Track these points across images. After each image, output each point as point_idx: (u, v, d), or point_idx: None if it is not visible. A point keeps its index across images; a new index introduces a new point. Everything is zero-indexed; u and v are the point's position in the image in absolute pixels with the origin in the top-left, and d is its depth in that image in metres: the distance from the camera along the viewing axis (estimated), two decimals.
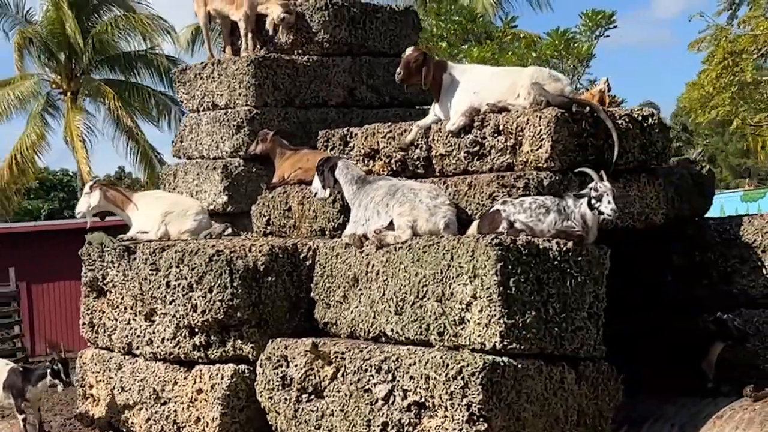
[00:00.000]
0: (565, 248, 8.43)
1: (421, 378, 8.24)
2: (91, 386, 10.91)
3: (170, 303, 9.81)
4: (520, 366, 8.15)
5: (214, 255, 9.55)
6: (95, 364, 10.83)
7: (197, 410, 9.76)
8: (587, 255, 8.50)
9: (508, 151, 9.40)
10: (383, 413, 8.46)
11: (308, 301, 9.68)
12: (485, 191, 9.12)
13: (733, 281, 10.01)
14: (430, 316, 8.49)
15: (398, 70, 9.86)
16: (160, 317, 9.97)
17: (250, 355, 9.59)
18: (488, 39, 21.12)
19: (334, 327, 9.41)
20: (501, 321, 8.09)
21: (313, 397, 9.04)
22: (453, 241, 8.44)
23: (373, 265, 8.99)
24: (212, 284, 9.50)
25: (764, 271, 9.77)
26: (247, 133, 11.40)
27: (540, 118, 9.22)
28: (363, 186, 9.47)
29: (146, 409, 10.20)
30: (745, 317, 9.95)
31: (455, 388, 8.03)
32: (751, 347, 9.54)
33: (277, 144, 11.00)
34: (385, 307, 8.82)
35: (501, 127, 9.43)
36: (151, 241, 10.66)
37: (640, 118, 9.79)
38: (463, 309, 8.29)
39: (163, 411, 10.06)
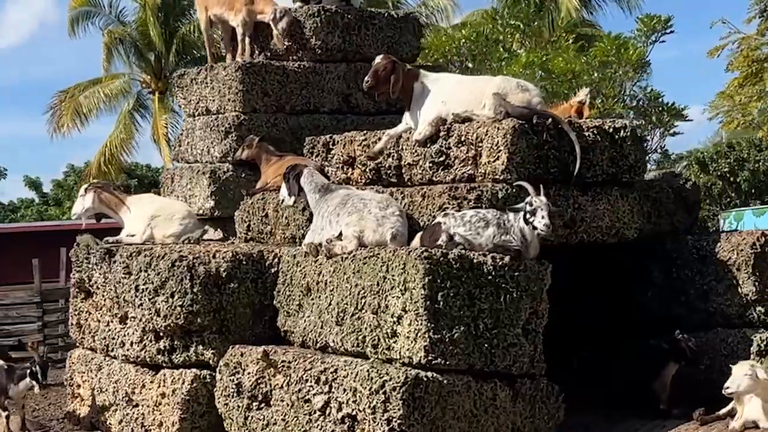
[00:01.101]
0: (501, 263, 8.30)
1: (351, 391, 8.19)
2: (78, 386, 11.08)
3: (138, 307, 9.92)
4: (445, 382, 8.05)
5: (177, 260, 9.63)
6: (81, 365, 11.00)
7: (161, 414, 9.85)
8: (525, 270, 8.36)
9: (470, 162, 9.31)
10: (319, 425, 8.44)
11: (272, 309, 9.69)
12: (436, 203, 9.01)
13: (709, 299, 9.76)
14: (366, 328, 8.45)
15: (366, 78, 9.82)
16: (131, 320, 10.09)
17: (211, 361, 9.63)
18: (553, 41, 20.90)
19: (292, 335, 9.43)
20: (427, 335, 8.01)
21: (262, 405, 9.05)
22: (390, 253, 8.38)
23: (322, 275, 8.98)
24: (174, 289, 9.57)
25: (740, 290, 9.49)
26: (234, 138, 11.48)
27: (498, 129, 9.09)
28: (325, 194, 9.46)
29: (120, 410, 10.32)
30: (721, 336, 9.68)
31: (377, 403, 7.98)
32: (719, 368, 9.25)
33: (262, 150, 11.04)
34: (329, 317, 8.80)
35: (463, 138, 9.35)
36: (135, 244, 10.73)
37: (611, 130, 9.58)
38: (394, 322, 8.23)
39: (133, 413, 10.18)
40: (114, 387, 10.42)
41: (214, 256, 9.73)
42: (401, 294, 8.16)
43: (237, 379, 9.23)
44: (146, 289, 9.82)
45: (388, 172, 9.92)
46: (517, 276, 8.32)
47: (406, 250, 8.32)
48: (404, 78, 9.82)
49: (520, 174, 9.11)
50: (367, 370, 8.13)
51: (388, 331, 8.27)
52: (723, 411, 8.55)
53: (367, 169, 10.12)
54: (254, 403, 9.08)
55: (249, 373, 9.13)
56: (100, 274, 10.54)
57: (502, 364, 8.26)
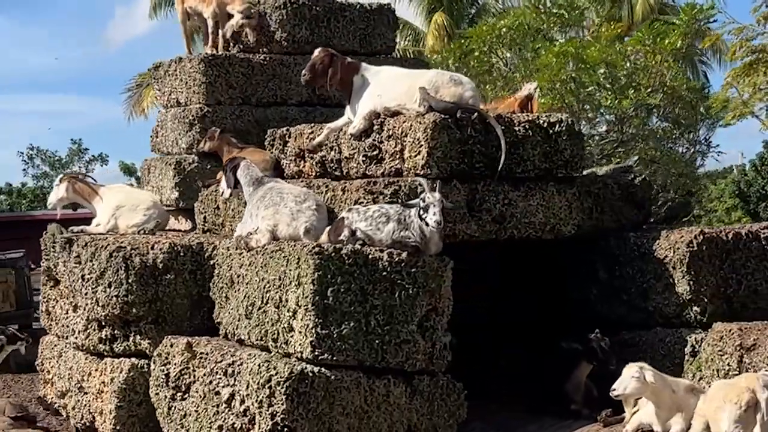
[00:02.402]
0: (397, 259, 8.26)
1: (246, 384, 8.25)
2: (48, 371, 11.34)
3: (84, 296, 10.11)
4: (333, 377, 8.04)
5: (114, 251, 9.79)
6: (49, 350, 11.25)
7: (102, 402, 10.02)
8: (423, 266, 8.29)
9: (398, 157, 9.28)
10: (224, 417, 8.51)
11: (211, 300, 9.77)
12: (353, 197, 9.00)
13: (649, 298, 9.58)
14: (268, 322, 8.50)
15: (303, 71, 9.86)
16: (79, 309, 10.28)
17: (147, 351, 9.77)
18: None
19: (221, 327, 9.51)
20: (314, 331, 8.04)
21: (182, 396, 9.14)
22: (290, 248, 8.40)
23: (241, 267, 9.04)
24: (111, 280, 9.72)
25: (677, 288, 9.29)
26: (198, 130, 11.59)
27: (419, 124, 9.04)
28: (257, 187, 9.52)
29: (73, 396, 10.54)
30: (660, 336, 9.51)
31: (263, 397, 8.01)
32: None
33: (224, 142, 11.14)
34: (242, 310, 8.87)
35: (392, 132, 9.32)
36: (98, 234, 10.92)
37: (545, 124, 9.44)
38: (291, 317, 8.27)
39: (83, 400, 10.38)
40: (69, 374, 10.63)
41: (152, 247, 9.85)
42: (296, 289, 8.20)
43: (166, 369, 9.34)
44: (90, 278, 10.00)
45: (332, 165, 9.93)
46: (414, 272, 8.26)
47: (301, 245, 8.32)
48: (343, 71, 9.82)
49: (441, 169, 9.05)
50: (258, 364, 8.17)
51: (286, 325, 8.31)
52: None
53: (314, 163, 10.13)
54: (178, 394, 9.19)
55: (174, 364, 9.24)
56: (62, 262, 10.75)
57: (394, 361, 8.22)
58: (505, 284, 10.23)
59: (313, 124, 10.19)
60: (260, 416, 8.02)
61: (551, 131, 9.48)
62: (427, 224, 8.18)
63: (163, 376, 9.34)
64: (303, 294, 8.09)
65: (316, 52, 9.85)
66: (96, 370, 10.18)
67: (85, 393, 10.34)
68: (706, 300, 9.23)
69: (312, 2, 12.03)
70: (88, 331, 10.15)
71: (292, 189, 9.13)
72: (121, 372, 9.85)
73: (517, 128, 9.38)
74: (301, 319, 8.11)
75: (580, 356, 9.05)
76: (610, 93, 18.38)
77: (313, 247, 8.14)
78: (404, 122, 9.20)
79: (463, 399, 8.52)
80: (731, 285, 9.37)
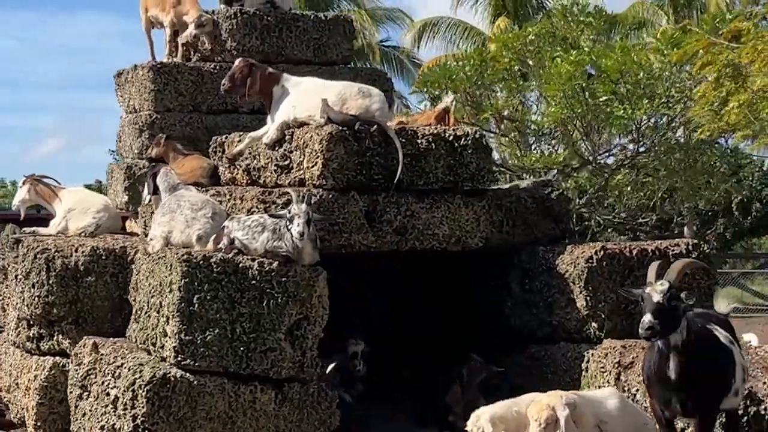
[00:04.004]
0: (268, 268, 8.42)
1: (121, 387, 8.50)
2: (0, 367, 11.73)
3: (17, 295, 10.45)
4: (196, 382, 8.23)
5: (39, 252, 10.10)
6: (2, 347, 11.64)
7: (28, 399, 10.35)
8: (294, 276, 8.44)
9: (303, 167, 9.44)
10: (107, 418, 8.75)
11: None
12: (247, 206, 9.20)
13: (554, 313, 9.59)
14: (150, 327, 8.73)
15: (223, 81, 10.07)
16: (14, 308, 10.64)
17: (68, 351, 10.05)
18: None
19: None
20: (178, 336, 8.24)
21: (86, 395, 9.42)
22: (170, 254, 8.62)
23: (139, 273, 9.29)
24: (35, 280, 10.04)
25: (577, 303, 9.30)
26: (147, 136, 11.86)
27: (317, 135, 9.20)
28: (172, 194, 9.75)
29: (10, 392, 10.90)
30: (563, 351, 9.53)
31: (127, 400, 8.24)
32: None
33: (170, 148, 11.39)
34: (136, 314, 9.11)
35: (297, 143, 9.48)
36: (48, 235, 11.26)
37: (450, 138, 9.52)
38: (165, 322, 8.48)
39: (17, 396, 10.72)
40: (9, 370, 10.99)
41: (76, 250, 10.13)
42: (169, 294, 8.40)
43: (78, 369, 9.62)
44: (20, 278, 10.33)
45: (255, 173, 10.12)
46: (284, 281, 8.41)
47: (174, 253, 8.53)
48: (263, 81, 9.99)
49: (338, 180, 9.19)
50: (128, 368, 8.40)
51: (161, 330, 8.53)
52: None
53: (241, 170, 10.33)
54: (84, 393, 9.45)
55: (83, 364, 9.51)
56: (9, 262, 11.12)
57: (259, 368, 8.38)
58: (411, 296, 10.27)
59: (242, 133, 10.34)
60: (124, 419, 8.23)
61: (456, 144, 9.53)
62: (292, 235, 8.31)
63: (76, 376, 9.61)
64: (172, 300, 8.29)
65: (237, 62, 10.04)
66: (25, 367, 10.48)
67: (18, 389, 10.66)
68: (603, 316, 9.20)
69: (264, 13, 12.21)
70: (18, 329, 10.47)
71: (192, 197, 9.33)
72: (43, 370, 10.14)
73: (420, 141, 9.46)
74: (170, 325, 8.30)
75: (458, 373, 9.10)
76: (622, 104, 18.19)
77: (182, 255, 8.34)
78: (306, 133, 9.35)
79: (335, 407, 8.64)
80: (633, 302, 9.26)
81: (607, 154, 19.08)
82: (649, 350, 6.53)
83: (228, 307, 8.29)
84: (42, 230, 11.49)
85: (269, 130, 9.81)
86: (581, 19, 20.03)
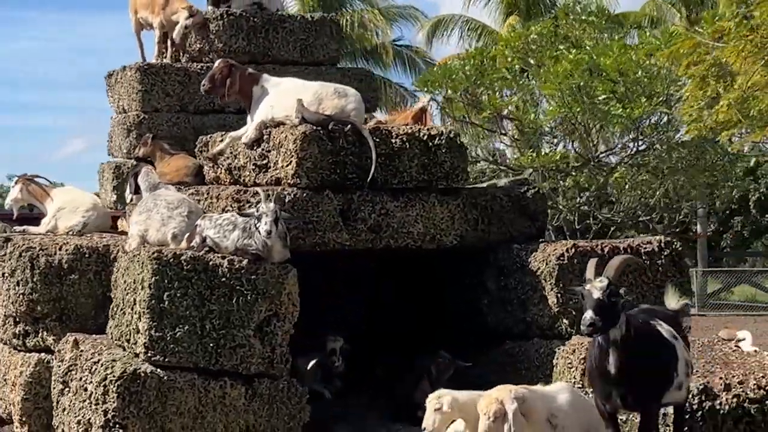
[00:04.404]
0: (238, 266, 8.56)
1: (94, 382, 8.67)
2: None
3: (3, 293, 10.64)
4: (166, 378, 8.38)
5: (24, 251, 10.28)
6: None
7: (14, 394, 10.54)
8: (264, 273, 8.59)
9: (278, 166, 9.58)
10: (84, 412, 8.91)
11: None
12: (222, 205, 9.35)
13: (527, 309, 9.69)
14: (125, 323, 8.89)
15: (203, 81, 10.22)
16: (1, 305, 10.82)
17: (52, 347, 10.23)
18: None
19: None
20: (148, 333, 8.40)
21: (67, 391, 9.59)
22: (143, 252, 8.78)
23: (118, 271, 9.46)
24: (19, 278, 10.23)
25: (549, 300, 9.40)
26: (135, 136, 12.04)
27: (291, 135, 9.35)
28: (151, 193, 9.91)
29: (1, 387, 11.09)
30: (536, 347, 9.64)
31: (98, 394, 8.41)
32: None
33: (156, 148, 11.55)
34: (113, 311, 9.28)
35: (274, 143, 9.63)
36: (37, 234, 11.45)
37: (425, 137, 9.64)
38: (137, 319, 8.64)
39: (4, 392, 10.91)
40: None
41: (60, 248, 10.31)
42: (141, 292, 8.57)
43: (60, 365, 9.80)
44: (6, 276, 10.52)
45: (236, 173, 10.27)
46: (254, 279, 8.56)
47: (147, 250, 8.69)
48: (242, 81, 10.15)
49: (312, 179, 9.34)
50: (102, 363, 8.56)
51: (134, 327, 8.68)
52: None
53: (223, 169, 10.49)
54: (65, 389, 9.61)
55: (64, 361, 9.68)
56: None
57: (229, 364, 8.52)
58: (385, 294, 10.41)
59: (224, 132, 10.49)
60: (95, 413, 8.39)
61: (431, 144, 9.65)
62: (260, 233, 8.46)
63: (58, 372, 9.79)
64: (144, 297, 8.45)
65: (217, 62, 10.19)
66: (12, 363, 10.67)
67: (6, 385, 10.85)
68: (574, 313, 9.28)
69: (250, 14, 12.36)
70: (6, 326, 10.65)
71: (169, 196, 9.48)
72: (28, 366, 10.31)
73: (394, 140, 9.58)
74: (142, 321, 8.46)
75: (426, 370, 9.22)
76: (620, 103, 18.27)
77: (153, 253, 8.50)
78: (281, 133, 9.50)
79: (304, 402, 8.77)
80: None
81: (607, 153, 19.17)
82: (591, 346, 6.65)
83: (198, 304, 8.44)
84: (32, 229, 11.67)
85: (248, 130, 9.95)
86: (583, 17, 20.12)
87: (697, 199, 22.05)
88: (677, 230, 38.35)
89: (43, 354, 10.36)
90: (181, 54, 12.45)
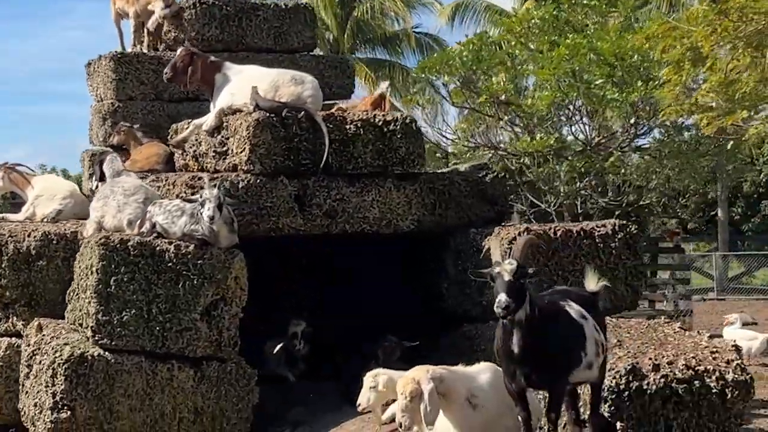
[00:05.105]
0: (184, 251, 8.72)
1: (44, 365, 8.85)
2: None
3: None
4: (113, 360, 8.56)
5: None
6: None
7: None
8: (210, 258, 8.74)
9: (234, 153, 9.73)
10: (41, 395, 9.10)
11: None
12: (176, 191, 9.50)
13: (484, 293, 9.75)
14: (78, 308, 9.07)
15: (165, 70, 10.38)
16: None
17: (21, 332, 10.43)
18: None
19: None
20: (95, 317, 8.58)
21: (30, 374, 9.78)
22: (94, 239, 8.96)
23: (78, 256, 9.63)
24: None
25: None
26: (110, 124, 12.22)
27: (244, 122, 9.48)
28: (110, 181, 10.08)
29: None
30: (492, 329, 9.68)
31: (48, 377, 8.60)
32: None
33: (130, 136, 11.74)
34: (69, 296, 9.47)
35: (231, 130, 9.77)
36: (15, 221, 11.64)
37: (380, 123, 9.75)
38: (88, 303, 8.82)
39: None
40: None
41: (29, 235, 10.49)
42: (90, 277, 8.75)
43: (26, 349, 10.00)
44: None
45: (200, 160, 10.42)
46: (200, 264, 8.72)
47: (96, 237, 8.86)
48: (204, 70, 10.30)
49: (265, 165, 9.47)
50: (52, 347, 8.75)
51: (85, 311, 8.86)
52: None
53: (190, 156, 10.64)
54: (30, 373, 9.81)
55: (29, 345, 9.87)
56: None
57: (175, 347, 8.69)
58: (342, 278, 10.53)
59: (190, 120, 10.63)
60: (45, 395, 8.58)
61: (386, 130, 9.74)
62: (203, 219, 8.60)
63: (24, 355, 9.98)
64: (91, 282, 8.62)
65: (179, 51, 10.33)
66: None
67: None
68: None
69: (223, 2, 12.49)
70: None
71: (127, 183, 9.63)
72: None
73: (348, 126, 9.69)
74: (89, 306, 8.64)
75: (373, 353, 9.33)
76: (616, 87, 18.22)
77: (101, 239, 8.67)
78: (237, 120, 9.63)
79: (253, 384, 8.91)
80: (557, 281, 9.46)
81: (606, 138, 19.10)
82: (498, 326, 6.72)
83: (145, 288, 8.61)
84: (11, 216, 11.86)
85: (209, 117, 10.08)
86: (585, 2, 20.05)
87: (698, 185, 21.92)
88: (700, 215, 38.19)
89: (13, 339, 10.49)
90: (158, 43, 12.59)
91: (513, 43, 19.51)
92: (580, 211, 20.00)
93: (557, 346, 6.49)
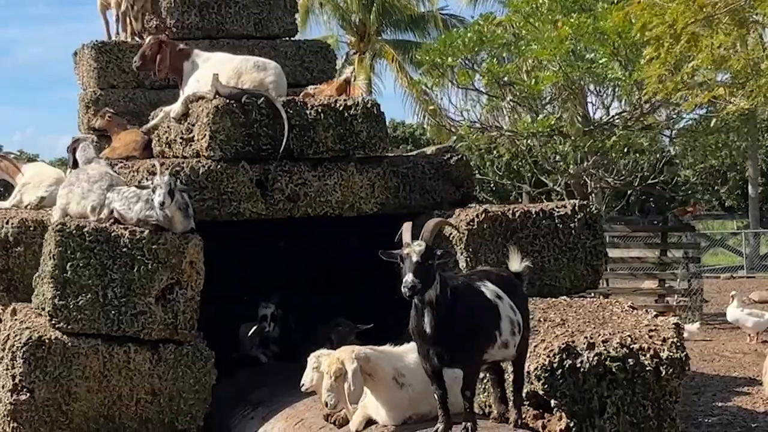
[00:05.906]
0: (139, 236, 8.92)
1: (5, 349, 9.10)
2: None
3: None
4: (70, 344, 8.79)
5: None
6: None
7: None
8: (165, 243, 8.93)
9: (197, 140, 9.92)
10: (7, 381, 9.32)
11: None
12: (136, 178, 9.70)
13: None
14: (41, 293, 9.29)
15: (135, 58, 10.58)
16: None
17: (1, 318, 10.69)
18: None
19: None
20: (52, 301, 8.80)
21: (2, 358, 10.03)
22: (51, 225, 9.19)
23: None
24: None
25: (459, 264, 9.59)
26: (93, 112, 12.44)
27: (204, 108, 9.67)
28: (78, 168, 10.30)
29: None
30: None
31: (7, 360, 8.85)
32: None
33: (113, 123, 11.94)
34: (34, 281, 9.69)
35: (194, 117, 9.95)
36: (3, 208, 11.90)
37: (341, 108, 9.89)
38: (46, 287, 9.05)
39: None
40: None
41: (7, 222, 10.73)
42: (49, 262, 8.98)
43: (2, 333, 10.25)
44: None
45: (172, 146, 10.61)
46: (154, 248, 8.90)
47: (53, 223, 9.08)
48: (173, 57, 10.48)
49: (225, 151, 9.64)
50: (13, 331, 8.99)
51: (45, 296, 9.09)
52: None
53: (164, 143, 10.83)
54: (5, 358, 10.05)
55: (6, 328, 10.11)
56: None
57: (131, 330, 8.89)
58: (304, 261, 10.68)
59: (161, 108, 10.81)
60: (5, 379, 8.82)
61: (347, 114, 9.87)
62: (155, 205, 8.80)
63: (0, 340, 10.23)
64: (48, 267, 8.85)
65: (147, 39, 10.52)
66: None
67: None
68: None
69: None
70: None
71: (92, 170, 9.82)
72: None
73: (309, 111, 9.82)
74: (48, 290, 8.88)
75: (327, 337, 9.49)
76: (620, 65, 18.26)
77: (57, 225, 8.89)
78: (199, 107, 9.81)
79: (210, 366, 9.09)
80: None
81: (610, 117, 19.15)
82: (412, 307, 6.84)
83: (100, 273, 8.81)
84: None
85: (176, 104, 10.26)
86: None
87: (705, 162, 21.95)
88: (738, 193, 37.96)
89: None
90: (143, 28, 12.78)
91: (521, 23, 19.62)
92: (588, 190, 20.05)
93: (469, 326, 6.60)
